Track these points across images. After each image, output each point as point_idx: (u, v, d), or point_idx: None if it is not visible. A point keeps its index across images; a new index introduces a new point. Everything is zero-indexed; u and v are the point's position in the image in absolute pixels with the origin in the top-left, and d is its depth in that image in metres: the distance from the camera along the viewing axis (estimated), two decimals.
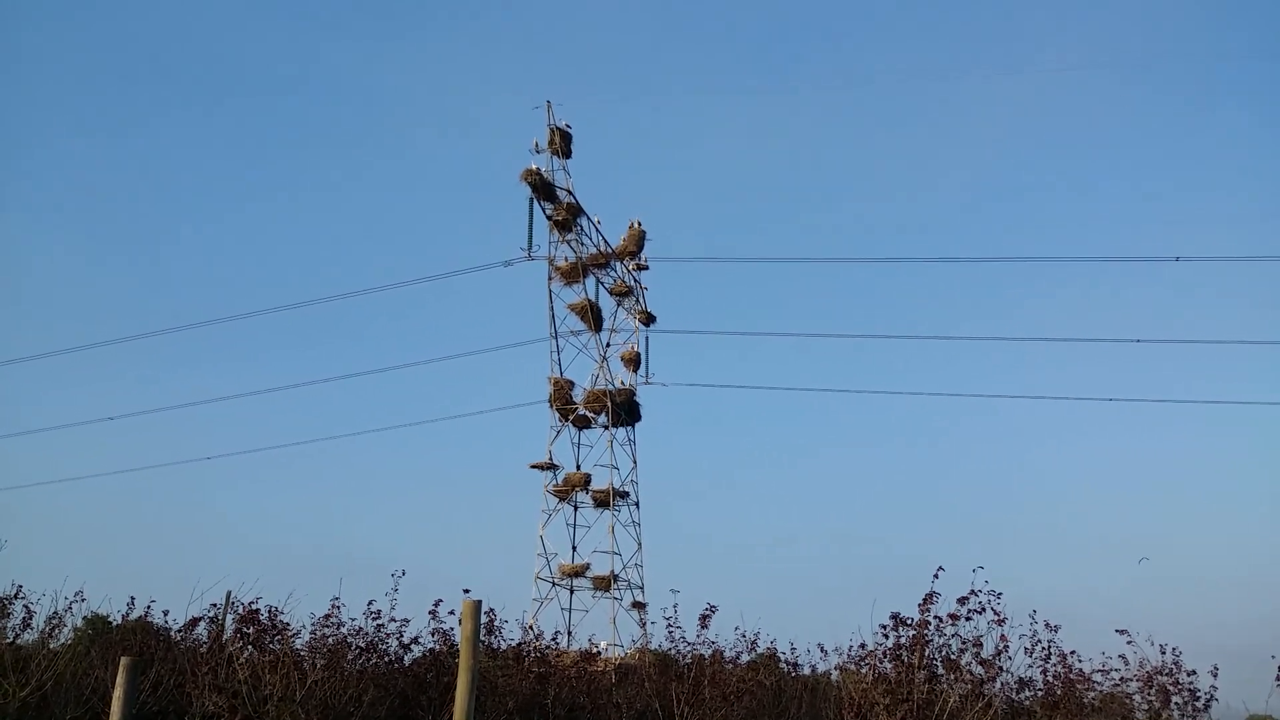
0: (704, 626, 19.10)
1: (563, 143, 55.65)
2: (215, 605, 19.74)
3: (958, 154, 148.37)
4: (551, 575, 54.11)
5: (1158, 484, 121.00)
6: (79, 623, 20.09)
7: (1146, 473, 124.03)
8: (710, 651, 19.64)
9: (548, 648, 19.88)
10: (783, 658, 22.07)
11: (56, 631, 17.32)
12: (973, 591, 15.17)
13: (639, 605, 51.93)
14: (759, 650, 20.90)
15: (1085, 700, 20.12)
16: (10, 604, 16.64)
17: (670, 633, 19.58)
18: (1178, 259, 54.94)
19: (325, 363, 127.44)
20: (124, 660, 10.37)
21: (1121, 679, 20.49)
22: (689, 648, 19.57)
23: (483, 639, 16.86)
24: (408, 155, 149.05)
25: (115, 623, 21.76)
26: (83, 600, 18.03)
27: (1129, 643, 19.77)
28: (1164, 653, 20.10)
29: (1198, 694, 20.07)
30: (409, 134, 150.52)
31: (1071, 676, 20.18)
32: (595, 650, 23.27)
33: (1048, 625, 19.39)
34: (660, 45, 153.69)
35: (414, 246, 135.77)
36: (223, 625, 18.91)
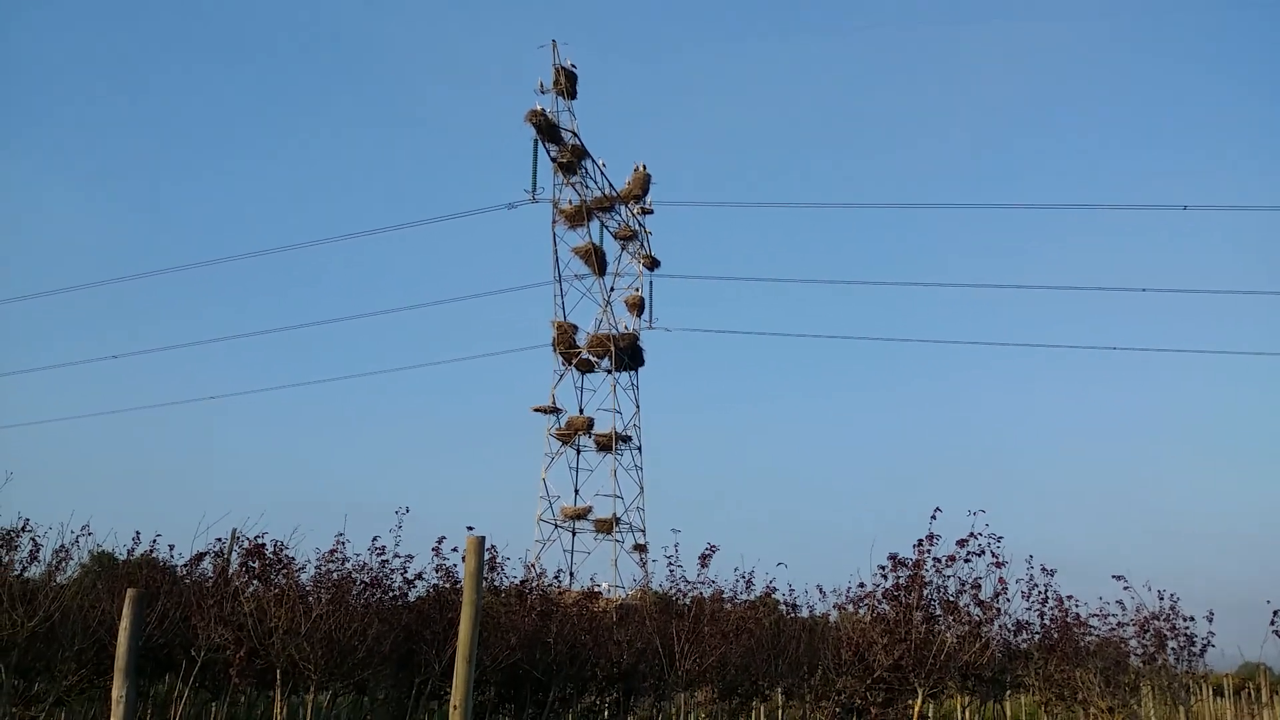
0: (704, 566, 19.26)
1: (568, 83, 55.05)
2: (220, 540, 19.88)
3: (965, 102, 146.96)
4: (554, 518, 54.49)
5: (1161, 435, 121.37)
6: (85, 558, 20.22)
7: (1150, 423, 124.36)
8: (710, 591, 19.82)
9: (550, 586, 20.04)
10: (781, 599, 22.28)
11: (63, 565, 17.42)
12: (972, 534, 15.25)
13: (640, 548, 52.31)
14: (756, 590, 21.09)
15: (1082, 643, 20.34)
16: (17, 537, 16.70)
17: (671, 571, 19.76)
18: (1185, 207, 54.69)
19: (330, 304, 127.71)
20: (130, 592, 10.40)
21: (1118, 624, 20.68)
22: (689, 587, 19.75)
23: (486, 577, 17.00)
24: (412, 102, 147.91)
25: (121, 558, 21.90)
26: (89, 535, 18.11)
27: (1126, 588, 19.94)
28: (1161, 599, 20.27)
29: (1194, 639, 20.26)
30: (413, 81, 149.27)
31: (1068, 620, 20.39)
32: (597, 590, 23.43)
33: (1045, 569, 19.57)
34: None
35: (419, 191, 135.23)
36: (228, 560, 19.05)
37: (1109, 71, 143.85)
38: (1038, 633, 20.97)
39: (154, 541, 20.97)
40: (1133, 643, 20.42)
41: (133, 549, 21.12)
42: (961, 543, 15.27)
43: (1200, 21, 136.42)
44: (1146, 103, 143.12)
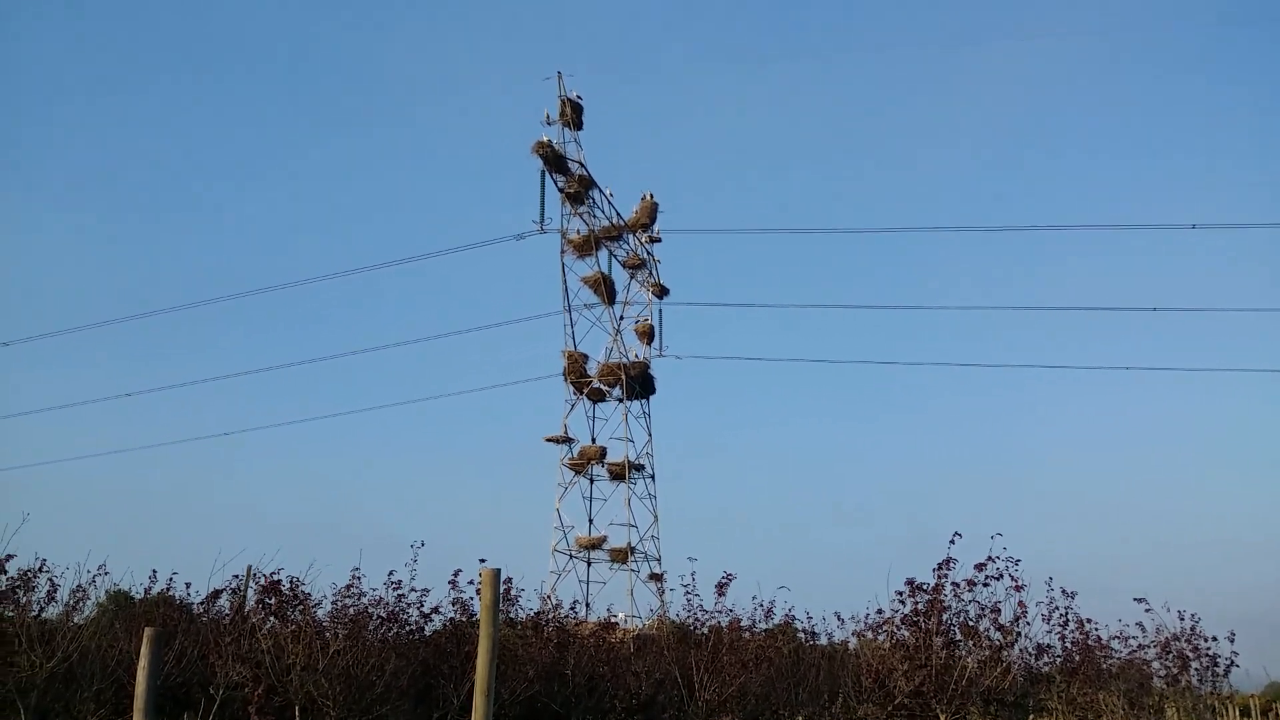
0: (721, 594, 19.17)
1: (574, 114, 55.39)
2: (237, 577, 19.89)
3: (971, 121, 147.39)
4: (568, 548, 54.33)
5: (1176, 452, 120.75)
6: (102, 597, 20.26)
7: (1164, 440, 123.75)
8: (728, 620, 19.73)
9: (566, 617, 19.98)
10: (800, 626, 22.15)
11: (81, 605, 17.49)
12: (990, 558, 15.18)
13: (656, 577, 52.11)
14: (775, 619, 20.98)
15: (1103, 666, 20.17)
16: (34, 577, 16.78)
17: (688, 600, 19.67)
18: (1194, 226, 54.53)
19: (339, 339, 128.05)
20: (148, 631, 10.43)
21: (1140, 646, 20.53)
22: (707, 616, 19.66)
23: (501, 609, 16.97)
24: (418, 134, 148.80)
25: (138, 597, 21.94)
26: (106, 574, 18.18)
27: (1147, 610, 19.82)
28: (1182, 619, 20.12)
29: (1216, 660, 20.10)
30: (418, 113, 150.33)
31: (1089, 643, 20.23)
32: (613, 620, 23.35)
33: (1065, 592, 19.43)
34: (669, 16, 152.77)
35: (426, 224, 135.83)
36: (245, 597, 19.05)
37: (1115, 88, 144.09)
38: (1059, 656, 20.81)
39: (170, 580, 21.02)
40: (1155, 664, 20.27)
41: (149, 587, 21.16)
42: (980, 566, 15.20)
43: (1203, 36, 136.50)
44: (1152, 119, 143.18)
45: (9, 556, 16.28)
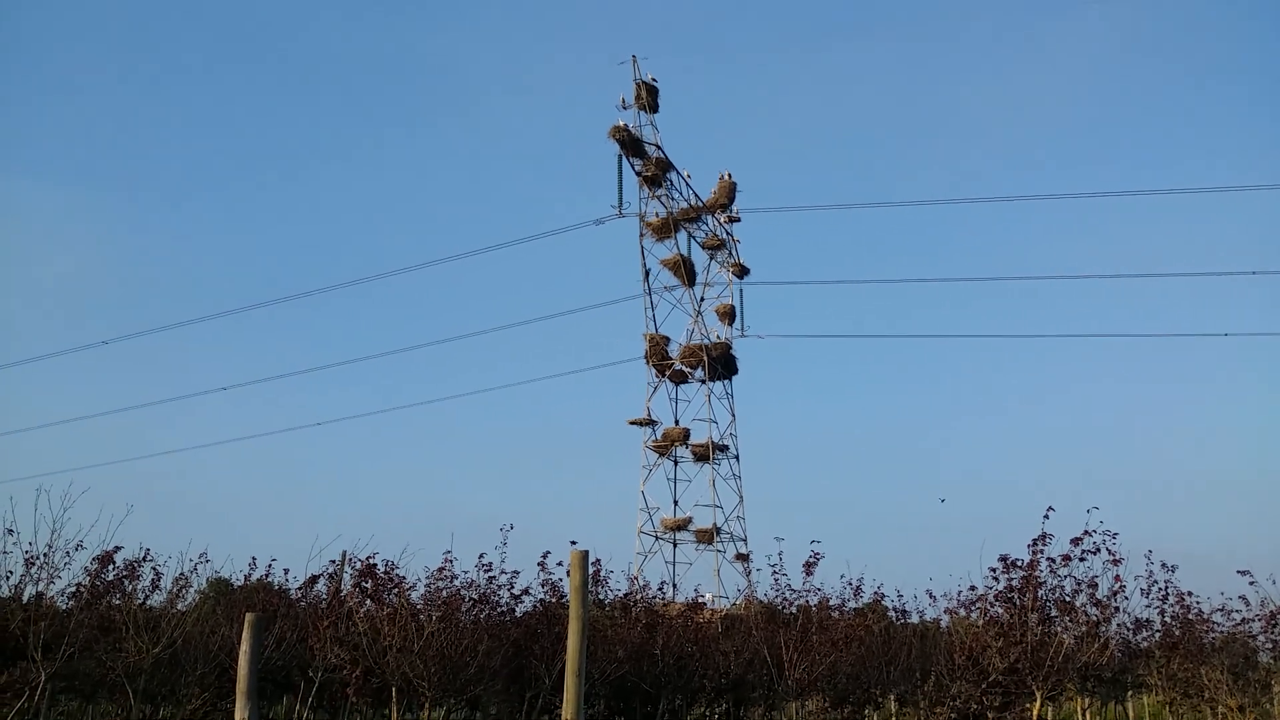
0: (809, 573, 19.05)
1: (649, 97, 55.28)
2: (333, 562, 20.30)
3: (1040, 97, 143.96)
4: (654, 529, 54.50)
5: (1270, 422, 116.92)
6: (203, 585, 20.83)
7: (1261, 411, 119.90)
8: (816, 599, 19.61)
9: (654, 598, 20.05)
10: (890, 605, 21.96)
11: (183, 592, 17.98)
12: (1087, 532, 14.85)
13: (742, 557, 52.06)
14: (865, 598, 20.81)
15: (1205, 641, 19.69)
16: (139, 567, 17.28)
17: (775, 579, 19.59)
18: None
19: (426, 328, 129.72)
20: (249, 617, 10.69)
21: (1243, 619, 20.01)
22: (795, 595, 19.57)
23: (591, 590, 17.08)
24: (496, 123, 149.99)
25: (238, 584, 22.52)
26: (207, 561, 18.69)
27: (1251, 583, 19.27)
28: None
29: None
30: (495, 102, 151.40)
31: (1190, 617, 19.75)
32: (701, 601, 23.38)
33: (1165, 565, 18.97)
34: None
35: (507, 213, 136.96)
36: (341, 581, 19.44)
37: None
38: (1158, 630, 20.36)
39: (269, 566, 21.55)
40: (1260, 638, 19.73)
41: (249, 574, 21.70)
42: (1076, 541, 14.88)
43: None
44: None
45: (116, 548, 16.80)
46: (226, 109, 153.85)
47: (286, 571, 21.36)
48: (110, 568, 16.71)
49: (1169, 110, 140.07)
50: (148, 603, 17.44)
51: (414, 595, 16.22)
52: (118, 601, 16.66)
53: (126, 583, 17.00)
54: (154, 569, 17.63)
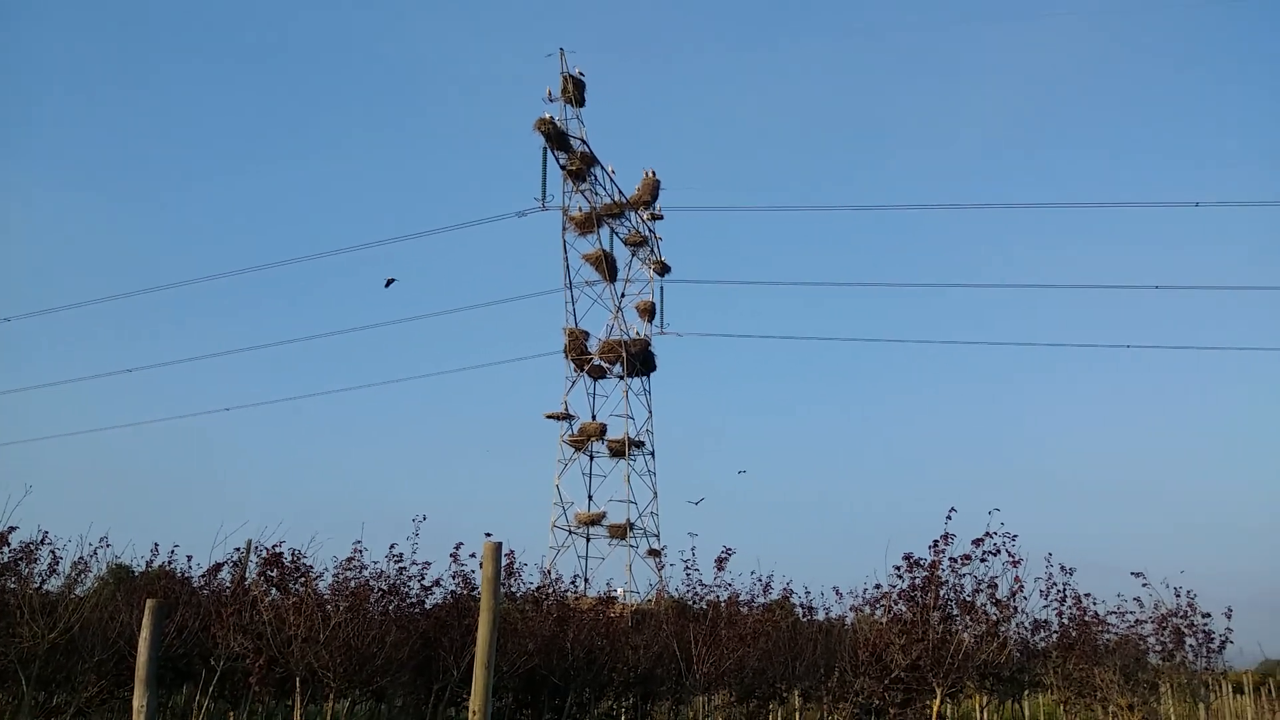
0: (720, 569, 19.26)
1: (576, 91, 55.12)
2: (238, 550, 19.96)
3: (972, 105, 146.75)
4: (568, 524, 54.48)
5: (1177, 431, 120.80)
6: (103, 570, 20.30)
7: (1165, 420, 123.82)
8: (726, 595, 19.81)
9: (566, 592, 20.05)
10: (798, 601, 22.27)
11: (82, 577, 17.52)
12: (988, 533, 15.19)
13: (654, 553, 52.26)
14: (774, 594, 21.08)
15: (1100, 642, 20.28)
16: (36, 550, 16.81)
17: (687, 575, 19.75)
18: (1197, 204, 54.40)
19: (341, 314, 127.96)
20: (150, 603, 10.47)
21: (1137, 621, 20.62)
22: (705, 590, 19.75)
23: (503, 583, 17.03)
24: (420, 113, 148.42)
25: (139, 570, 22.01)
26: (107, 546, 18.22)
27: (1144, 585, 19.91)
28: (1178, 596, 20.20)
29: (1212, 636, 20.19)
30: (423, 91, 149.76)
31: (1086, 619, 20.33)
32: (612, 595, 23.45)
33: (1063, 568, 19.53)
34: None
35: (429, 201, 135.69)
36: (245, 569, 19.12)
37: (1121, 69, 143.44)
38: (1056, 631, 20.92)
39: (172, 553, 21.10)
40: (1151, 640, 20.37)
41: (151, 560, 21.24)
42: (977, 542, 15.20)
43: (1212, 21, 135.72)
44: (1161, 101, 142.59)
45: (11, 529, 16.29)
46: (147, 89, 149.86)
47: (189, 559, 20.97)
48: (5, 549, 16.22)
49: (1096, 122, 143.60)
50: (44, 587, 16.98)
51: (321, 585, 16.02)
52: (12, 585, 16.17)
53: (22, 565, 16.53)
54: (52, 551, 17.19)
